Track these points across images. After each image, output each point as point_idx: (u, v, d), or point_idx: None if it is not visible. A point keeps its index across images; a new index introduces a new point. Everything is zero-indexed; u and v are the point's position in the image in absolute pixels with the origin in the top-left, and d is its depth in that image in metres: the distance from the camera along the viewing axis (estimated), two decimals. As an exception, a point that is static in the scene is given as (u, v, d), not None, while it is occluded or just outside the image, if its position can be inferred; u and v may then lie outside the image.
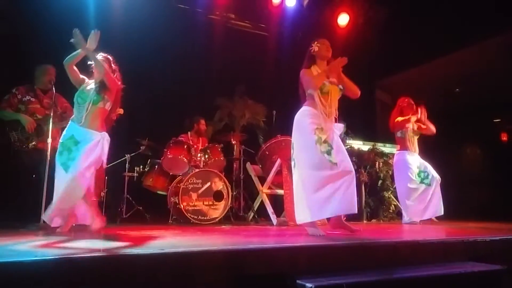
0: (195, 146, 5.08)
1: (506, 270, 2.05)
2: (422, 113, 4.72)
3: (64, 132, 3.08)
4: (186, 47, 6.06)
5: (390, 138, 5.62)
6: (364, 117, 7.06)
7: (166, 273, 1.57)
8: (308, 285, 1.63)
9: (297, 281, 1.69)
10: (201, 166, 4.76)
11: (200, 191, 4.45)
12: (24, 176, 3.78)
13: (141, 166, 5.11)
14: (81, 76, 3.19)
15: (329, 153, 2.78)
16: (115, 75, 3.19)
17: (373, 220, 5.42)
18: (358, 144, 5.74)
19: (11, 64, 4.48)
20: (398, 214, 5.26)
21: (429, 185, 4.56)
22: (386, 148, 5.83)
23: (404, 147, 4.76)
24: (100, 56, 3.15)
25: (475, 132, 7.85)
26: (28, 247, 1.98)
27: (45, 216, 2.93)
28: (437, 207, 4.56)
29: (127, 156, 5.00)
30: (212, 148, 4.99)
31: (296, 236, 2.78)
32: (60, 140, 3.05)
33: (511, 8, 5.02)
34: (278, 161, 4.49)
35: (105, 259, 1.56)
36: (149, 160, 5.13)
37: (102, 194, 4.59)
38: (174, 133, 5.18)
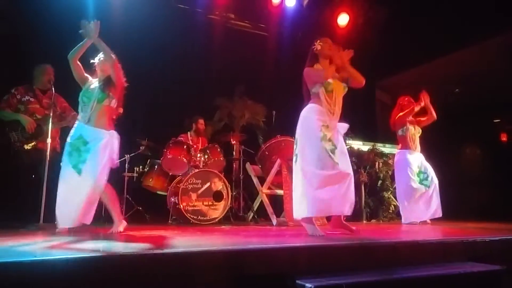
0: (195, 146, 5.08)
1: (506, 271, 2.06)
2: (425, 97, 4.67)
3: (71, 133, 3.03)
4: (186, 47, 6.06)
5: (390, 138, 5.63)
6: (364, 117, 7.06)
7: (166, 273, 1.57)
8: (308, 285, 1.63)
9: (297, 281, 1.69)
10: (201, 166, 4.76)
11: (199, 191, 4.45)
12: (24, 176, 3.78)
13: (140, 166, 5.11)
14: (85, 74, 3.17)
15: (333, 152, 2.81)
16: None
17: (373, 221, 5.42)
18: (358, 144, 5.74)
19: (11, 64, 4.48)
20: (398, 214, 5.25)
21: (428, 187, 4.56)
22: (386, 149, 5.83)
23: (405, 146, 4.73)
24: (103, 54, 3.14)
25: (475, 132, 7.86)
26: (28, 247, 1.98)
27: (74, 221, 2.88)
28: (435, 209, 4.55)
29: (127, 156, 4.99)
30: (212, 148, 4.99)
31: (295, 236, 2.78)
32: (68, 141, 3.00)
33: (511, 8, 5.03)
34: (278, 161, 4.49)
35: (105, 259, 1.55)
36: (148, 160, 5.12)
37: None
38: (174, 133, 5.19)
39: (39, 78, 3.98)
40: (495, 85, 6.77)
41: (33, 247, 2.00)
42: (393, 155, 5.12)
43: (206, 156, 4.87)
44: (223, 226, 4.14)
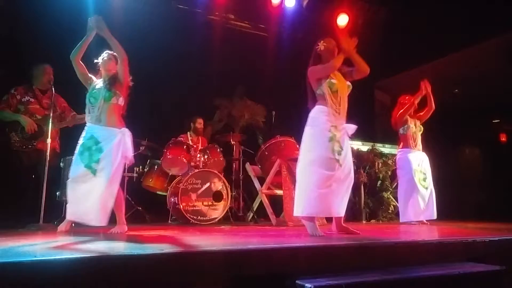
0: (195, 146, 5.08)
1: (505, 271, 2.06)
2: (427, 85, 4.66)
3: (83, 134, 3.02)
4: (185, 47, 6.05)
5: (389, 139, 5.62)
6: (363, 118, 7.05)
7: (166, 273, 1.57)
8: (308, 285, 1.63)
9: (297, 282, 1.69)
10: (201, 166, 4.76)
11: (199, 192, 4.45)
12: (23, 177, 3.78)
13: (140, 167, 5.11)
14: (89, 74, 3.15)
15: (339, 153, 2.85)
16: None
17: (372, 221, 5.43)
18: (357, 145, 5.75)
19: (11, 64, 4.48)
20: (397, 214, 5.25)
21: (426, 188, 4.57)
22: (385, 149, 5.83)
23: (406, 145, 4.72)
24: (106, 54, 3.13)
25: (474, 132, 7.86)
26: (27, 248, 1.98)
27: (94, 221, 2.86)
28: (431, 210, 4.56)
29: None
30: (212, 148, 4.99)
31: (295, 237, 2.78)
32: (80, 142, 2.99)
33: (511, 9, 5.03)
34: (277, 162, 4.49)
35: (105, 259, 1.55)
36: (148, 160, 5.12)
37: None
38: (174, 133, 5.18)
39: (39, 78, 3.98)
40: (494, 86, 6.77)
41: (33, 248, 2.00)
42: (393, 155, 5.12)
43: (206, 156, 4.87)
44: (222, 226, 4.14)
